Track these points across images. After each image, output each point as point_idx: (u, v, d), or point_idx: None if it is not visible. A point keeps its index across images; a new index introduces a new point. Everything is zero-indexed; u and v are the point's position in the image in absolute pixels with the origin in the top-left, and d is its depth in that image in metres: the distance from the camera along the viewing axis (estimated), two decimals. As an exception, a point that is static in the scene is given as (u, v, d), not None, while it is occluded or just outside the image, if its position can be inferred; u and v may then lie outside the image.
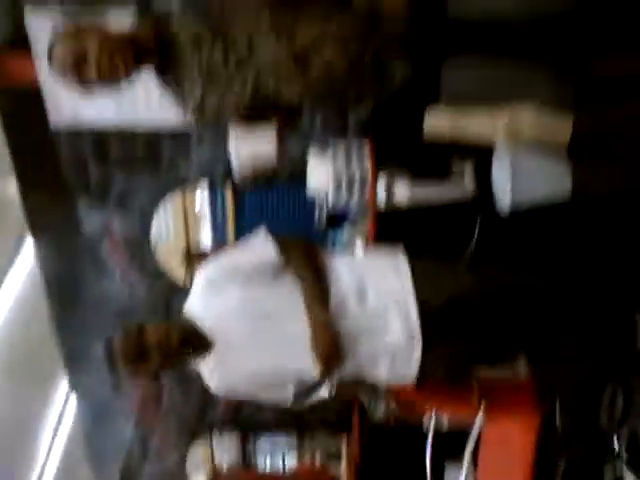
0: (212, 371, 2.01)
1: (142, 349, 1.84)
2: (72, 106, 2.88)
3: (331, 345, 1.81)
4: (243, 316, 1.93)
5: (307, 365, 1.89)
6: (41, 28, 2.64)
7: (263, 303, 1.93)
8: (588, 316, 2.09)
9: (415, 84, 1.86)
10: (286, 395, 2.04)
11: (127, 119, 2.93)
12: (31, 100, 2.90)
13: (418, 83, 1.86)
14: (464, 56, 1.85)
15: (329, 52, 1.73)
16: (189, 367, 2.00)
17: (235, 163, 1.67)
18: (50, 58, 1.77)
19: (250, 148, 1.66)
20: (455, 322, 1.98)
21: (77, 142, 3.03)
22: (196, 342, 1.93)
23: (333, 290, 1.92)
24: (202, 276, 2.05)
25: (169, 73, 1.83)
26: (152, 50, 1.78)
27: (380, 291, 1.95)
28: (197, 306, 2.01)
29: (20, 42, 2.71)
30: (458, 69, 1.86)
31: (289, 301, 1.92)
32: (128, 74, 1.76)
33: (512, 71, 1.89)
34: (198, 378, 1.90)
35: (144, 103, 2.86)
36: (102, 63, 1.70)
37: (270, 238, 1.98)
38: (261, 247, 1.98)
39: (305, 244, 2.07)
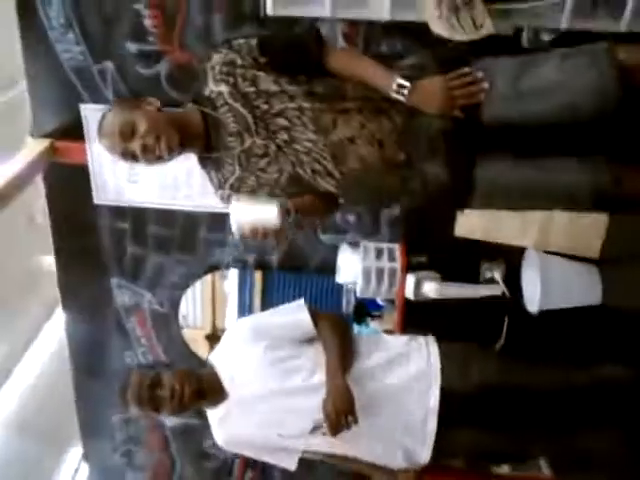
0: (221, 421, 2.08)
1: (156, 399, 1.94)
2: (116, 187, 3.00)
3: (344, 404, 1.82)
4: (264, 375, 2.00)
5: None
6: (93, 119, 2.75)
7: (286, 364, 2.00)
8: (616, 420, 2.08)
9: (449, 186, 1.85)
10: (290, 462, 2.11)
11: (167, 202, 3.02)
12: (76, 178, 3.01)
13: (452, 184, 1.84)
14: (497, 155, 1.84)
15: (364, 148, 1.76)
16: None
17: (234, 227, 1.70)
18: (100, 129, 1.82)
19: (251, 216, 1.68)
20: (478, 410, 2.02)
21: (117, 220, 3.12)
22: (211, 392, 2.02)
23: (357, 364, 1.99)
24: (234, 330, 2.14)
25: (210, 156, 1.87)
26: (199, 135, 1.83)
27: (406, 368, 2.02)
28: (222, 356, 2.10)
29: (73, 131, 2.87)
30: (491, 168, 1.84)
31: (312, 365, 1.99)
32: (171, 156, 1.79)
33: (545, 172, 1.85)
34: (211, 454, 1.94)
35: (185, 188, 2.97)
36: (147, 142, 1.74)
37: (306, 306, 2.07)
38: (296, 312, 2.08)
39: (337, 316, 2.18)
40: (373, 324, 3.10)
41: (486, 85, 1.71)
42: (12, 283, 3.47)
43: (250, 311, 3.37)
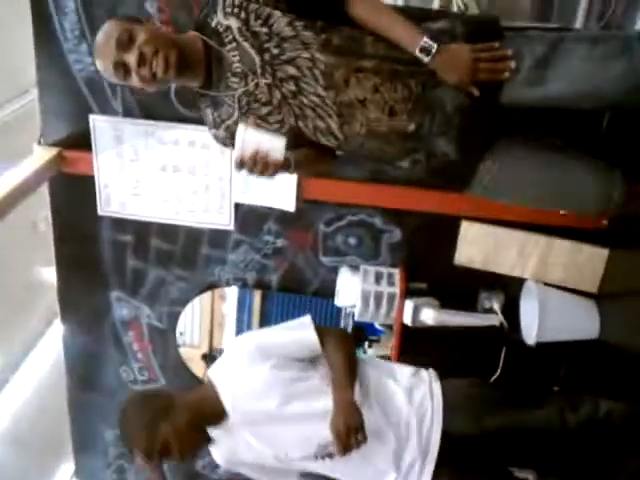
0: (220, 440, 1.98)
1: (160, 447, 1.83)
2: (120, 199, 3.02)
3: (355, 421, 1.74)
4: (268, 396, 1.90)
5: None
6: (102, 131, 2.88)
7: (292, 387, 1.91)
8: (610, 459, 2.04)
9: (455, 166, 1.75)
10: None
11: (170, 216, 3.04)
12: (81, 188, 3.03)
13: (459, 165, 1.74)
14: (512, 143, 1.77)
15: (373, 113, 1.65)
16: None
17: (237, 148, 1.58)
18: (97, 39, 1.67)
19: (258, 140, 1.56)
20: (475, 451, 1.96)
21: (119, 232, 3.13)
22: (210, 411, 1.92)
23: (358, 388, 1.90)
24: (238, 346, 2.02)
25: (208, 93, 1.74)
26: (199, 65, 1.69)
27: (406, 403, 1.95)
28: (224, 373, 1.99)
29: (81, 142, 2.91)
30: (504, 158, 1.75)
31: (318, 389, 1.91)
32: (166, 77, 1.62)
33: (558, 171, 1.78)
34: (202, 475, 1.85)
35: (189, 203, 3.00)
36: (145, 51, 1.58)
37: (312, 323, 1.98)
38: (302, 329, 1.98)
39: (342, 332, 2.11)
40: (370, 349, 3.09)
41: (513, 64, 1.60)
42: (11, 293, 3.48)
43: (248, 331, 3.36)
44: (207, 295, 3.26)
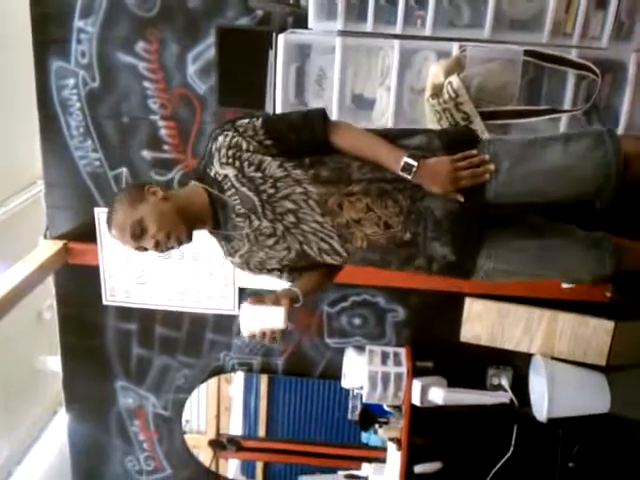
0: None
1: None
2: (125, 288, 3.05)
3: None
4: None
5: None
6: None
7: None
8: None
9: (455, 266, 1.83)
10: None
11: (175, 304, 3.06)
12: (86, 278, 3.07)
13: (458, 264, 1.83)
14: (503, 232, 1.85)
15: (370, 229, 1.75)
16: None
17: (243, 329, 1.71)
18: (110, 228, 1.80)
19: (259, 319, 1.70)
20: None
21: (124, 321, 3.15)
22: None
23: None
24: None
25: (220, 231, 1.86)
26: (206, 215, 1.82)
27: None
28: None
29: (87, 234, 2.98)
30: (498, 247, 1.83)
31: None
32: (183, 244, 1.80)
33: (549, 247, 1.87)
34: None
35: (193, 289, 3.02)
36: (159, 238, 1.74)
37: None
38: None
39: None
40: (380, 431, 3.05)
41: (492, 167, 1.72)
42: (16, 382, 3.46)
43: (256, 416, 3.32)
44: (213, 380, 3.24)
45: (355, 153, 1.77)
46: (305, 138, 1.77)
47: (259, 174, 1.74)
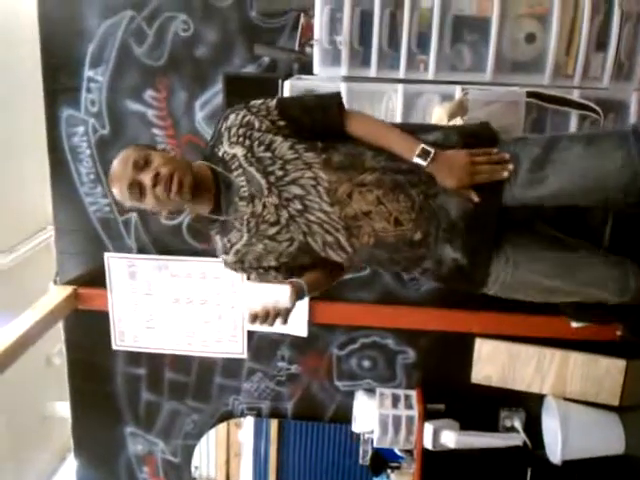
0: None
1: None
2: (135, 334, 3.06)
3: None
4: None
5: None
6: (116, 267, 2.98)
7: None
8: None
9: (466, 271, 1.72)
10: None
11: (184, 348, 3.06)
12: (95, 323, 3.07)
13: (470, 270, 1.71)
14: (520, 241, 1.74)
15: (379, 224, 1.65)
16: None
17: (246, 306, 1.58)
18: (113, 163, 1.69)
19: (263, 294, 1.58)
20: None
21: (133, 366, 3.15)
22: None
23: None
24: None
25: (218, 218, 1.76)
26: (209, 191, 1.71)
27: None
28: None
29: (96, 279, 3.00)
30: (515, 257, 1.71)
31: None
32: (180, 199, 1.64)
33: (570, 268, 1.74)
34: None
35: (202, 333, 3.02)
36: (161, 171, 1.61)
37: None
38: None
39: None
40: (393, 476, 3.00)
41: (511, 166, 1.62)
42: (25, 427, 3.44)
43: (266, 462, 3.28)
44: (222, 425, 3.21)
45: (370, 140, 1.69)
46: (319, 122, 1.70)
47: (268, 154, 1.66)
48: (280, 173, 1.65)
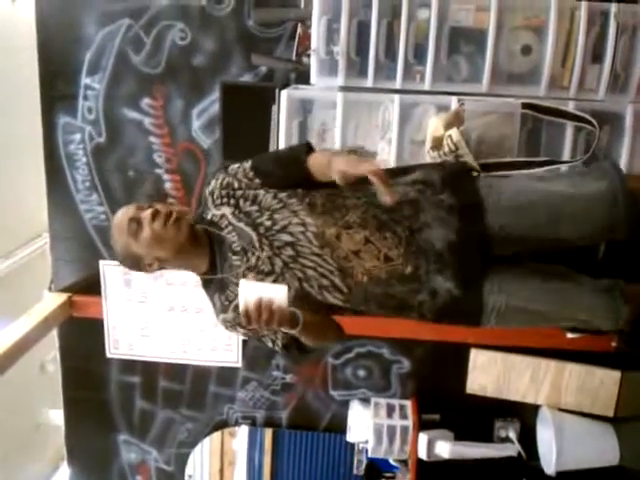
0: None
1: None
2: (130, 342, 3.05)
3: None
4: None
5: None
6: (111, 275, 2.97)
7: None
8: None
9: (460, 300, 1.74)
10: None
11: (179, 356, 3.05)
12: (90, 331, 3.07)
13: (464, 298, 1.73)
14: (509, 269, 1.77)
15: (370, 262, 1.68)
16: None
17: (241, 302, 1.55)
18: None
19: (259, 290, 1.56)
20: None
21: (127, 374, 3.14)
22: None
23: None
24: None
25: (214, 278, 1.79)
26: (204, 248, 1.77)
27: None
28: None
29: (91, 286, 2.99)
30: (503, 283, 1.75)
31: None
32: (179, 231, 1.70)
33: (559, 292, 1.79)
34: None
35: (197, 341, 3.01)
36: (160, 209, 1.69)
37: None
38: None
39: None
40: (387, 484, 3.00)
41: (389, 199, 1.59)
42: (17, 435, 3.42)
43: (260, 471, 3.26)
44: (216, 434, 3.20)
45: (319, 171, 1.73)
46: (291, 170, 1.77)
47: (255, 207, 1.74)
48: (268, 223, 1.72)
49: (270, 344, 1.83)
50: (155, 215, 1.68)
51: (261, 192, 1.76)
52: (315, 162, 1.75)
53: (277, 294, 1.52)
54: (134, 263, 1.77)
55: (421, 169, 1.83)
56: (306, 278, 1.71)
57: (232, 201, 1.76)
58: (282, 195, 1.75)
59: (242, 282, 1.57)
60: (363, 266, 1.69)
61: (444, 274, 1.69)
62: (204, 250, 1.78)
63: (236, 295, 1.71)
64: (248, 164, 1.80)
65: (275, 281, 1.72)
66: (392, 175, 1.75)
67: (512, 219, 1.70)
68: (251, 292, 1.54)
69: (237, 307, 1.71)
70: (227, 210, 1.76)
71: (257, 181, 1.77)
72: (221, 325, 1.85)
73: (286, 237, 1.71)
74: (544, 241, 1.75)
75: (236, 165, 1.81)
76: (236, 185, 1.77)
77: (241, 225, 1.73)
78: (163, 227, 1.68)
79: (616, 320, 1.77)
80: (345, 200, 1.74)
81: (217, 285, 1.80)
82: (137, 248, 1.71)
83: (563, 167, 2.27)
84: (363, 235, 1.69)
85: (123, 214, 1.73)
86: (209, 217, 1.79)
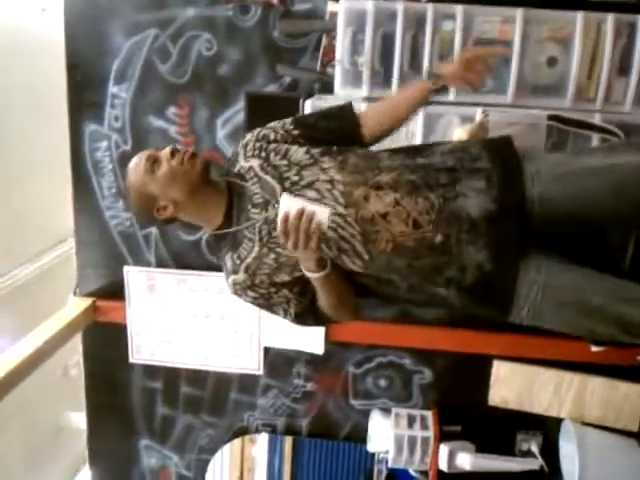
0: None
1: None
2: (152, 347, 3.08)
3: None
4: None
5: None
6: (135, 281, 3.00)
7: None
8: None
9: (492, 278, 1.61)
10: None
11: (200, 362, 3.07)
12: (113, 335, 3.10)
13: (496, 276, 1.61)
14: (546, 255, 1.64)
15: (397, 227, 1.59)
16: None
17: (283, 209, 1.47)
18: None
19: (303, 203, 1.47)
20: None
21: (150, 379, 3.16)
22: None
23: None
24: None
25: (228, 232, 1.72)
26: (222, 195, 1.72)
27: None
28: None
29: (115, 292, 3.02)
30: (542, 267, 1.61)
31: None
32: (195, 167, 1.68)
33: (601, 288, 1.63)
34: None
35: (219, 348, 3.03)
36: (178, 147, 1.71)
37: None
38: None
39: None
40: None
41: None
42: (40, 437, 3.47)
43: (279, 478, 3.26)
44: (237, 440, 3.21)
45: (386, 117, 1.77)
46: (334, 124, 1.76)
47: (284, 161, 1.67)
48: (296, 178, 1.65)
49: (282, 313, 1.75)
50: (174, 152, 1.68)
51: (294, 147, 1.70)
52: (373, 112, 1.78)
53: (319, 213, 1.48)
54: (147, 207, 1.71)
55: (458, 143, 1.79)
56: (325, 239, 1.58)
57: (263, 154, 1.70)
58: (315, 151, 1.68)
59: (284, 195, 1.52)
60: (390, 231, 1.59)
61: (476, 245, 1.57)
62: (221, 198, 1.71)
63: (249, 251, 1.68)
64: (289, 119, 1.77)
65: None
66: (428, 147, 1.73)
67: (550, 190, 1.60)
68: (294, 203, 1.49)
69: (249, 267, 1.69)
70: (256, 162, 1.70)
71: (295, 132, 1.74)
72: (230, 289, 1.76)
73: (311, 193, 1.62)
74: (586, 217, 1.62)
75: (276, 121, 1.78)
76: (272, 137, 1.73)
77: (267, 177, 1.66)
78: (180, 163, 1.66)
79: None
80: (379, 162, 1.66)
81: (230, 242, 1.72)
82: (153, 187, 1.68)
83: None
84: (393, 197, 1.59)
85: (141, 154, 1.72)
86: (236, 170, 1.74)
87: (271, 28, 2.62)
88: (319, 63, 2.57)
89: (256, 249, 1.67)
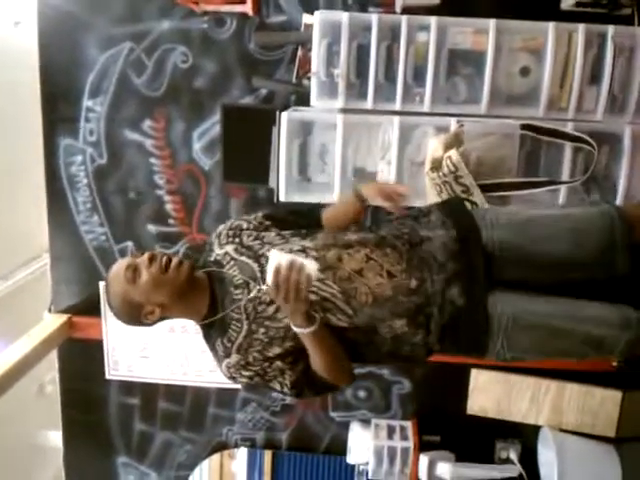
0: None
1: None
2: (129, 363, 3.04)
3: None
4: None
5: None
6: None
7: None
8: None
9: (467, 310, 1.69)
10: None
11: (178, 377, 3.04)
12: (89, 352, 3.06)
13: (469, 308, 1.69)
14: (510, 287, 1.74)
15: (373, 280, 1.67)
16: None
17: (274, 262, 1.52)
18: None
19: (291, 258, 1.53)
20: None
21: (127, 395, 3.13)
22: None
23: None
24: None
25: (214, 320, 1.72)
26: (204, 291, 1.73)
27: None
28: None
29: (91, 308, 2.98)
30: (508, 298, 1.71)
31: None
32: (180, 273, 1.66)
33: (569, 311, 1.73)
34: None
35: (196, 363, 3.00)
36: (156, 254, 1.68)
37: None
38: None
39: None
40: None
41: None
42: (16, 457, 3.39)
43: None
44: (215, 456, 3.18)
45: (336, 217, 1.88)
46: (303, 221, 1.86)
47: (258, 241, 1.76)
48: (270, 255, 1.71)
49: (278, 387, 1.76)
50: (152, 259, 1.66)
51: (265, 233, 1.80)
52: (330, 220, 1.87)
53: (308, 265, 1.54)
54: (134, 314, 1.71)
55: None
56: (309, 303, 1.65)
57: (237, 239, 1.79)
58: (285, 232, 1.80)
59: (274, 250, 1.59)
60: (367, 285, 1.68)
61: (448, 282, 1.68)
62: (204, 292, 1.74)
63: (238, 332, 1.71)
64: (260, 212, 1.88)
65: (277, 309, 1.67)
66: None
67: (509, 234, 1.73)
68: (284, 257, 1.55)
69: (241, 346, 1.71)
70: (230, 247, 1.77)
71: (267, 223, 1.83)
72: (224, 374, 1.78)
73: None
74: (544, 262, 1.73)
75: (247, 215, 1.89)
76: (244, 226, 1.82)
77: (243, 258, 1.73)
78: (162, 270, 1.65)
79: (627, 326, 1.70)
80: (346, 231, 1.81)
81: (218, 329, 1.74)
82: (136, 295, 1.66)
83: (562, 188, 2.29)
84: (364, 253, 1.70)
85: (119, 264, 1.72)
86: (212, 259, 1.79)
87: (247, 40, 2.63)
88: (295, 75, 2.59)
89: (245, 327, 1.70)
